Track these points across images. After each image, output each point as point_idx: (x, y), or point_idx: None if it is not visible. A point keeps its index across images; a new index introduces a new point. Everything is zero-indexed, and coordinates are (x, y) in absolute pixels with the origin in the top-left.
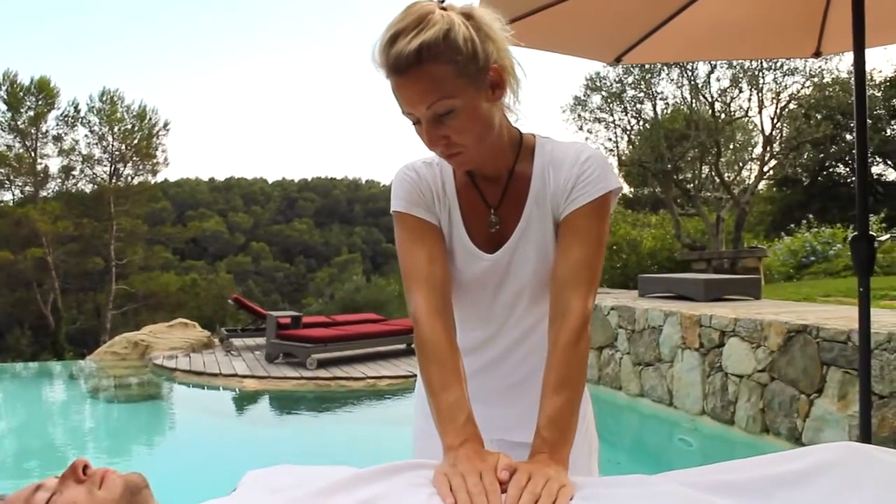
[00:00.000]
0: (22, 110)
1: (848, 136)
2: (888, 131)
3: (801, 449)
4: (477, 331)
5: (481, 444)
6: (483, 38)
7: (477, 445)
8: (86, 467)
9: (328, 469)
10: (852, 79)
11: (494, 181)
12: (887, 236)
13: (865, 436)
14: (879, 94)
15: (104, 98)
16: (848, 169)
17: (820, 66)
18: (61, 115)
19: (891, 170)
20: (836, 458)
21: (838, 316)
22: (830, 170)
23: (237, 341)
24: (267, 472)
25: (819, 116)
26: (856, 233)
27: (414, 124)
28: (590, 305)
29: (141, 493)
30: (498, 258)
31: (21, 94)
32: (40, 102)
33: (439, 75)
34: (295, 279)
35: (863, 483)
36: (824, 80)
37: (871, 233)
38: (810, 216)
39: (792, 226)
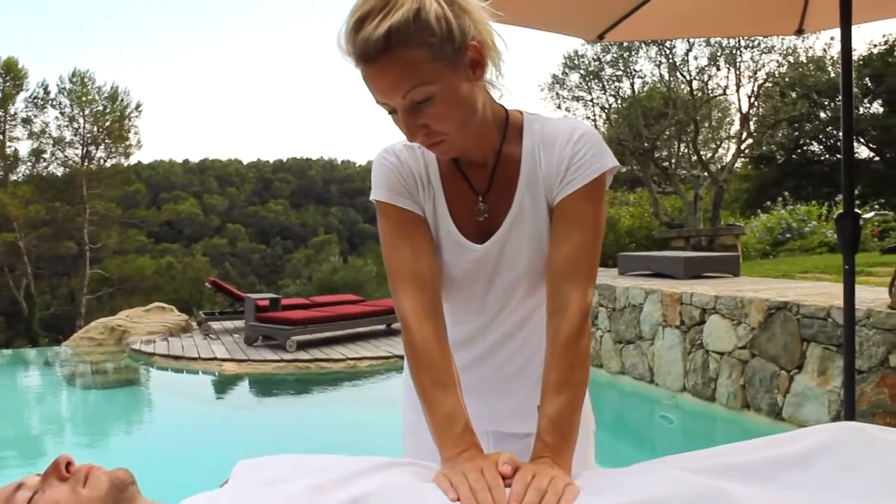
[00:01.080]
0: None
1: (822, 115)
2: (861, 109)
3: (802, 430)
4: (468, 323)
5: (480, 451)
6: (458, 14)
7: (476, 452)
8: (69, 464)
9: (323, 459)
10: (827, 57)
11: (481, 166)
12: (872, 214)
13: (849, 411)
14: (853, 73)
15: (74, 79)
16: (822, 147)
17: (795, 45)
18: (30, 96)
19: (864, 147)
20: (838, 439)
21: (818, 292)
22: (805, 147)
23: (216, 324)
24: (259, 462)
25: (794, 95)
26: (841, 210)
27: (389, 114)
28: (589, 298)
29: (127, 489)
30: (488, 249)
31: None
32: (8, 84)
33: (413, 61)
34: (272, 261)
35: (865, 463)
36: (800, 59)
37: (856, 210)
38: (785, 193)
39: (768, 203)
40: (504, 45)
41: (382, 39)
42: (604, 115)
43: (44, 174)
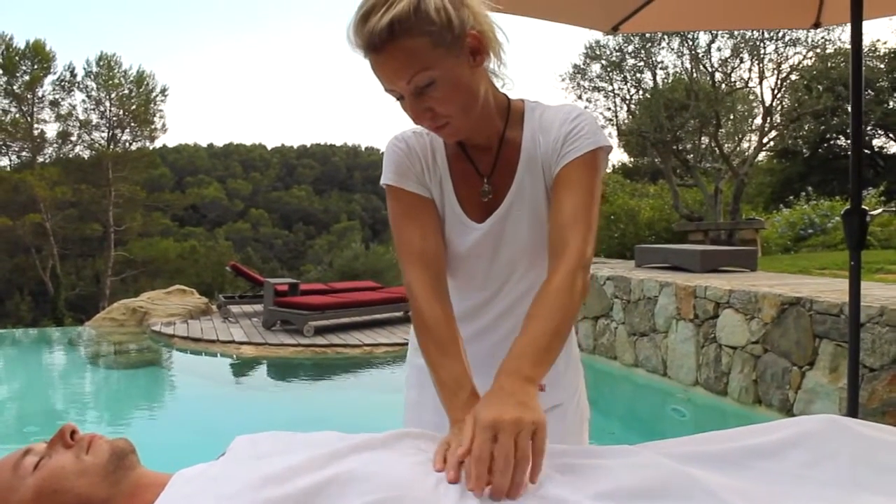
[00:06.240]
0: (17, 74)
1: (850, 108)
2: (890, 103)
3: (783, 420)
4: (472, 298)
5: None
6: (457, 6)
7: None
8: (73, 432)
9: (319, 435)
10: None
11: (485, 150)
12: (880, 210)
13: (852, 407)
14: (883, 66)
15: (101, 63)
16: (849, 141)
17: (822, 37)
18: (57, 79)
19: (892, 142)
20: (815, 430)
21: (832, 289)
22: (831, 142)
23: (235, 308)
24: (256, 437)
25: (821, 88)
26: (848, 206)
27: (398, 100)
28: (589, 249)
29: (127, 457)
30: (490, 226)
31: (16, 57)
32: (36, 66)
33: (415, 48)
34: (294, 246)
35: (838, 455)
36: (827, 51)
37: (863, 207)
38: (809, 188)
39: (791, 198)
40: (505, 36)
41: (386, 30)
42: (625, 107)
43: (70, 156)
